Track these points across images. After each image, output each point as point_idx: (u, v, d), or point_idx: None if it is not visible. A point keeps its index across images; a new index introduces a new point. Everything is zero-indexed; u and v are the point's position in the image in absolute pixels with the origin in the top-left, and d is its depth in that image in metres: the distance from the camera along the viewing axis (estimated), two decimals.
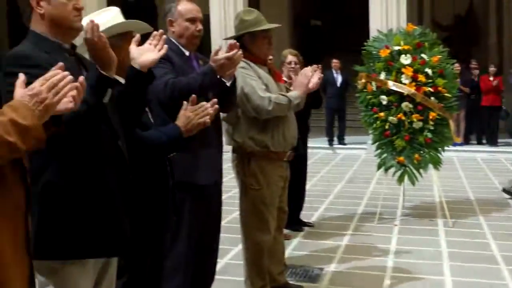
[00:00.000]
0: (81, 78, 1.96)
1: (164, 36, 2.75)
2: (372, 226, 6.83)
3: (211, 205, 3.70)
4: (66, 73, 1.86)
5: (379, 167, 6.99)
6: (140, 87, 2.69)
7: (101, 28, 2.44)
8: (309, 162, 7.22)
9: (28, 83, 1.86)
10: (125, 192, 2.53)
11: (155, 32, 2.70)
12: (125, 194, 2.53)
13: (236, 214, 6.42)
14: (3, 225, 1.84)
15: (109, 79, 2.35)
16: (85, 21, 2.46)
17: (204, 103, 3.04)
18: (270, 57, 4.37)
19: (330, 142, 14.32)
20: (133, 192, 2.58)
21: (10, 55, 2.32)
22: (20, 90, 1.84)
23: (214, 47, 12.15)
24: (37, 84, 1.82)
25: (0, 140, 1.71)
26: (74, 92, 1.88)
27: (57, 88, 1.82)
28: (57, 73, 1.85)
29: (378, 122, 6.80)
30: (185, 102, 3.02)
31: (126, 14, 2.95)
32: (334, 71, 14.09)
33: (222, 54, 3.34)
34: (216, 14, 13.20)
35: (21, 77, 1.88)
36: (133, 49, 2.70)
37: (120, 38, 2.81)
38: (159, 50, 2.73)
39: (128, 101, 2.62)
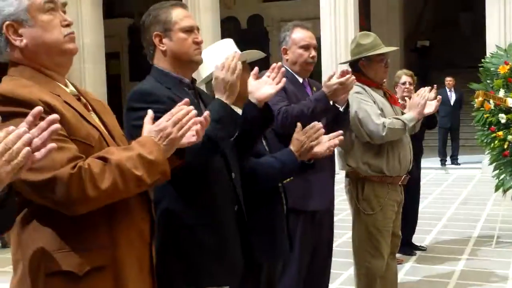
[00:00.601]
0: (206, 113, 2.01)
1: (283, 69, 2.73)
2: (489, 250, 6.54)
3: (322, 231, 3.68)
4: (191, 107, 1.92)
5: (497, 188, 6.68)
6: (257, 122, 2.68)
7: (221, 60, 2.49)
8: (421, 183, 7.01)
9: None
10: (238, 222, 2.56)
11: (274, 65, 2.69)
12: (237, 224, 2.55)
13: (346, 237, 6.37)
14: (129, 255, 1.90)
15: (236, 114, 2.42)
16: (203, 55, 2.54)
17: (315, 122, 3.02)
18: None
19: (443, 162, 13.89)
20: (245, 222, 2.60)
21: (134, 92, 2.42)
22: (148, 126, 1.92)
23: (324, 71, 12.17)
24: (163, 120, 1.89)
25: (128, 174, 1.77)
26: (198, 127, 1.93)
27: (182, 123, 1.88)
28: (181, 109, 1.91)
29: (496, 141, 6.50)
30: (298, 125, 3.01)
31: (240, 41, 2.98)
32: (447, 90, 13.65)
33: (335, 80, 3.32)
34: (327, 39, 13.10)
35: (149, 113, 1.96)
36: (252, 82, 2.70)
37: None
38: (277, 83, 2.70)
39: (245, 134, 2.62)
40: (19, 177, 1.50)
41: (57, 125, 1.51)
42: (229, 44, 2.88)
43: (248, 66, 2.88)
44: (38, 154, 1.48)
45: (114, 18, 19.58)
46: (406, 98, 5.12)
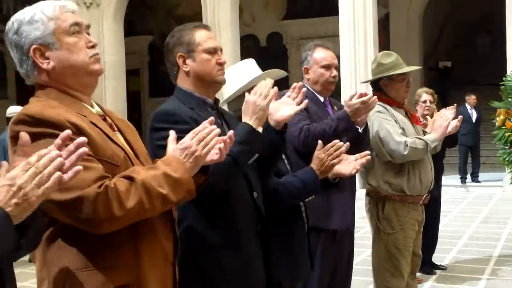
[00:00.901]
0: (231, 132, 2.04)
1: (304, 89, 2.74)
2: (510, 270, 6.45)
3: (343, 250, 3.67)
4: (214, 126, 1.95)
5: None
6: (274, 144, 2.68)
7: (244, 82, 2.51)
8: (441, 201, 6.96)
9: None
10: (260, 242, 2.56)
11: (294, 84, 2.69)
12: (259, 242, 2.55)
13: (365, 255, 6.33)
14: (153, 274, 1.91)
15: (261, 137, 2.44)
16: (225, 75, 2.57)
17: (336, 141, 3.01)
18: None
19: (463, 179, 13.78)
20: (268, 242, 2.59)
21: (158, 112, 2.45)
22: (172, 145, 1.95)
23: (343, 89, 12.15)
24: (187, 138, 1.92)
25: (154, 193, 1.79)
26: (221, 145, 1.95)
27: (206, 140, 1.91)
28: (205, 127, 1.93)
29: None
30: (319, 143, 3.01)
31: (259, 58, 3.00)
32: (468, 107, 13.54)
33: (357, 99, 3.32)
34: (346, 57, 13.08)
35: (172, 134, 1.99)
36: (272, 102, 2.66)
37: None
38: (298, 104, 2.71)
39: (265, 155, 2.63)
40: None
41: (84, 149, 1.54)
42: (251, 65, 2.90)
43: None
44: (65, 176, 1.50)
45: (135, 35, 19.78)
46: (427, 116, 5.11)
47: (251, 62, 2.92)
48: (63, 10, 1.94)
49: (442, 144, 4.34)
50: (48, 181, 1.44)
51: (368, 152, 3.13)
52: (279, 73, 2.95)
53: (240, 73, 2.79)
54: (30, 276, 5.78)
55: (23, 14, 1.93)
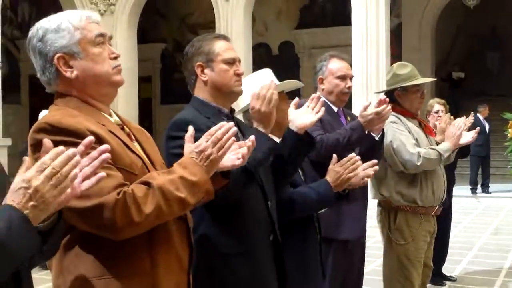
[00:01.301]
0: (252, 137, 2.06)
1: (322, 99, 2.79)
2: None
3: (354, 260, 3.67)
4: (231, 124, 1.95)
5: None
6: (298, 149, 2.74)
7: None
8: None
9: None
10: (273, 251, 2.57)
11: (313, 95, 2.73)
12: (272, 253, 2.56)
13: (375, 265, 6.32)
14: (168, 281, 1.93)
15: (272, 143, 2.47)
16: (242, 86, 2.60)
17: (352, 154, 3.04)
18: None
19: (474, 190, 13.72)
20: (281, 251, 2.60)
21: (174, 121, 2.47)
22: (188, 145, 1.96)
23: (355, 98, 12.12)
24: (202, 140, 1.92)
25: (171, 197, 1.81)
26: (244, 150, 1.98)
27: (221, 142, 1.91)
28: (222, 126, 1.94)
29: None
30: (334, 156, 3.03)
31: (271, 67, 3.03)
32: (481, 118, 13.46)
33: (371, 110, 3.34)
34: (358, 67, 12.96)
35: (190, 130, 2.01)
36: (292, 111, 2.76)
37: None
38: (317, 113, 2.76)
39: (285, 163, 2.67)
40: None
41: (108, 155, 1.56)
42: (268, 75, 2.93)
43: (285, 96, 2.92)
44: (88, 182, 1.52)
45: (148, 43, 19.88)
46: (436, 123, 5.12)
47: (268, 72, 2.94)
48: (89, 21, 1.97)
49: (454, 155, 4.35)
50: (64, 180, 1.43)
51: (375, 161, 3.14)
52: (294, 83, 2.97)
53: (256, 82, 2.82)
54: (42, 281, 5.81)
55: (49, 22, 1.94)
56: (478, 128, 4.36)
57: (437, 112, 6.05)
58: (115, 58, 2.01)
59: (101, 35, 1.98)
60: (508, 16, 13.99)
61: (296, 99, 2.68)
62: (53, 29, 1.93)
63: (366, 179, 3.07)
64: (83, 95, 1.96)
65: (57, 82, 1.96)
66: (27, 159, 1.46)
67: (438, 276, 6.38)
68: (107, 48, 2.00)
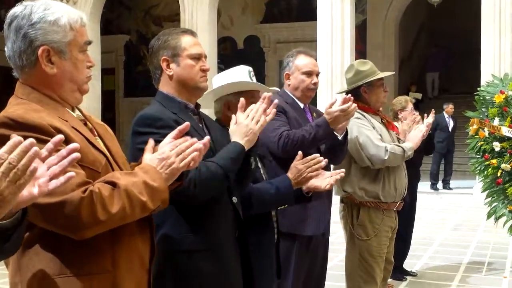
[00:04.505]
0: (207, 138, 2.03)
1: (276, 101, 2.66)
2: (479, 278, 6.52)
3: (317, 255, 3.69)
4: (194, 140, 1.94)
5: (489, 216, 6.68)
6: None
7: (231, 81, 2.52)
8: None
9: (156, 141, 1.98)
10: (237, 246, 2.57)
11: (264, 94, 2.62)
12: (237, 249, 2.56)
13: (337, 260, 6.36)
14: (129, 280, 1.90)
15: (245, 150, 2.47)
16: (213, 81, 2.60)
17: (316, 154, 3.03)
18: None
19: (434, 186, 13.92)
20: (246, 245, 2.60)
21: (141, 116, 2.43)
22: (148, 155, 1.94)
23: (320, 93, 12.18)
24: (166, 149, 1.91)
25: (135, 199, 1.79)
26: (196, 154, 1.94)
27: (184, 154, 1.90)
28: (186, 140, 1.93)
29: (489, 169, 6.52)
30: (299, 153, 3.02)
31: (236, 61, 3.02)
32: (445, 115, 13.67)
33: (336, 107, 3.34)
34: (323, 62, 12.92)
35: (150, 142, 1.98)
36: (239, 115, 2.57)
37: (238, 96, 2.83)
38: (267, 115, 2.62)
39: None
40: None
41: (77, 154, 1.51)
42: (245, 72, 2.94)
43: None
44: (56, 181, 1.48)
45: (111, 34, 19.66)
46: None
47: (244, 70, 2.96)
48: (83, 24, 1.94)
49: (419, 152, 4.44)
50: (23, 175, 1.37)
51: (343, 170, 3.18)
52: (265, 88, 2.99)
53: (230, 78, 2.82)
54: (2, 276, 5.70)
55: (48, 11, 1.87)
56: (429, 123, 4.56)
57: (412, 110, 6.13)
58: (90, 67, 1.98)
59: (89, 43, 1.96)
60: (474, 14, 14.24)
61: (242, 100, 2.57)
62: (50, 20, 1.86)
63: (332, 183, 3.07)
64: (51, 93, 1.91)
65: (31, 72, 1.89)
66: None
67: (399, 271, 6.45)
68: (87, 55, 1.97)
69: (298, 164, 2.98)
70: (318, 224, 3.58)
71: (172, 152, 1.89)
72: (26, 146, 1.36)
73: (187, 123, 1.98)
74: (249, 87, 2.97)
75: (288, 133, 3.36)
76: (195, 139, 1.94)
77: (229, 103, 2.95)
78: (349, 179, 4.09)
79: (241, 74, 2.95)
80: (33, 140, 1.38)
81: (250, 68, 3.00)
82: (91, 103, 13.74)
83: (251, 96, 2.90)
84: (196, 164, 1.98)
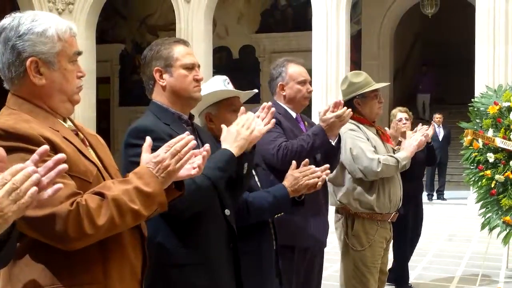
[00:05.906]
0: (207, 146, 2.02)
1: (273, 109, 2.68)
2: None
3: (314, 267, 3.68)
4: (191, 137, 1.91)
5: (483, 227, 6.68)
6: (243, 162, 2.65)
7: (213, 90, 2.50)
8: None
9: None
10: (231, 258, 2.53)
11: (264, 104, 2.63)
12: (231, 260, 2.53)
13: (332, 270, 6.35)
14: None
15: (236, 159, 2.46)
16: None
17: (312, 166, 3.03)
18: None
19: (430, 196, 13.89)
20: (238, 258, 2.57)
21: (134, 128, 2.41)
22: (146, 155, 1.92)
23: (315, 103, 12.20)
24: (161, 151, 1.88)
25: (125, 208, 1.77)
26: (199, 160, 1.93)
27: (180, 154, 1.87)
28: (181, 138, 1.90)
29: (483, 180, 6.53)
30: (293, 162, 3.01)
31: (231, 70, 3.02)
32: (436, 126, 13.69)
33: (331, 113, 3.33)
34: (318, 72, 13.05)
35: (148, 141, 1.96)
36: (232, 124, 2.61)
37: (216, 107, 2.92)
38: (266, 124, 2.65)
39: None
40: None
41: (65, 165, 1.50)
42: (218, 82, 2.95)
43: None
44: (44, 194, 1.47)
45: (106, 43, 19.66)
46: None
47: (221, 79, 2.96)
48: (71, 34, 1.93)
49: (421, 163, 4.43)
50: (24, 196, 1.40)
51: (327, 166, 3.12)
52: (241, 94, 2.99)
53: (209, 86, 2.85)
54: None
55: (35, 22, 1.87)
56: (426, 132, 4.56)
57: (400, 120, 6.11)
58: (81, 77, 1.97)
59: (79, 53, 1.95)
60: (469, 25, 14.31)
61: (242, 109, 2.60)
62: (38, 32, 1.86)
63: (320, 183, 3.04)
64: (42, 104, 1.90)
65: (20, 83, 1.89)
66: None
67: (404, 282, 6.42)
68: (77, 65, 1.96)
69: (294, 172, 2.99)
70: (315, 236, 3.56)
71: (167, 154, 1.87)
72: (29, 172, 1.42)
73: (187, 132, 1.96)
74: (224, 94, 2.95)
75: (286, 144, 3.34)
76: (191, 137, 1.92)
77: (209, 115, 2.93)
78: (343, 189, 4.09)
79: (216, 84, 2.93)
80: (35, 168, 1.43)
81: (225, 77, 2.99)
82: (86, 111, 13.70)
83: (231, 104, 2.91)
84: (200, 171, 1.97)
